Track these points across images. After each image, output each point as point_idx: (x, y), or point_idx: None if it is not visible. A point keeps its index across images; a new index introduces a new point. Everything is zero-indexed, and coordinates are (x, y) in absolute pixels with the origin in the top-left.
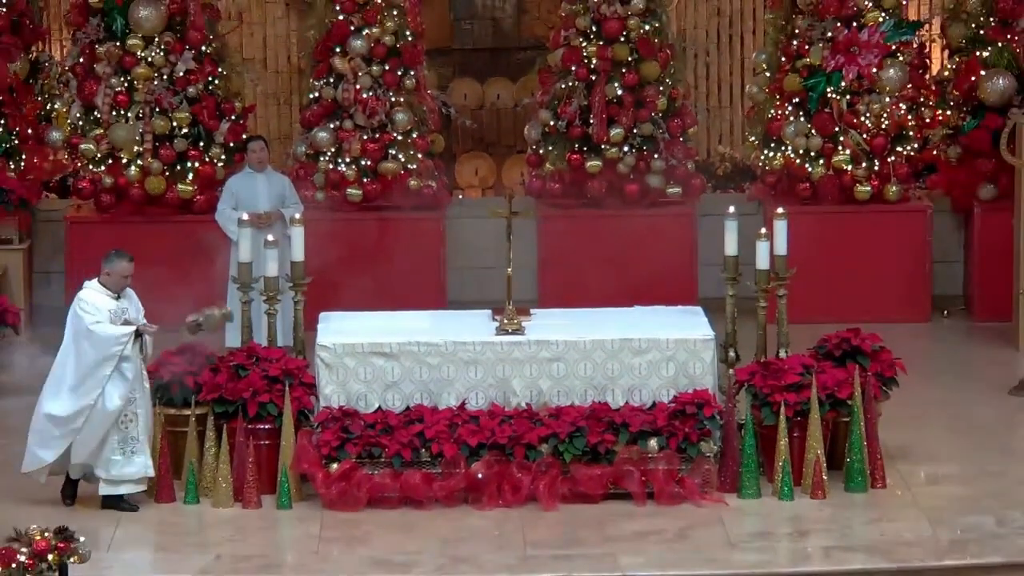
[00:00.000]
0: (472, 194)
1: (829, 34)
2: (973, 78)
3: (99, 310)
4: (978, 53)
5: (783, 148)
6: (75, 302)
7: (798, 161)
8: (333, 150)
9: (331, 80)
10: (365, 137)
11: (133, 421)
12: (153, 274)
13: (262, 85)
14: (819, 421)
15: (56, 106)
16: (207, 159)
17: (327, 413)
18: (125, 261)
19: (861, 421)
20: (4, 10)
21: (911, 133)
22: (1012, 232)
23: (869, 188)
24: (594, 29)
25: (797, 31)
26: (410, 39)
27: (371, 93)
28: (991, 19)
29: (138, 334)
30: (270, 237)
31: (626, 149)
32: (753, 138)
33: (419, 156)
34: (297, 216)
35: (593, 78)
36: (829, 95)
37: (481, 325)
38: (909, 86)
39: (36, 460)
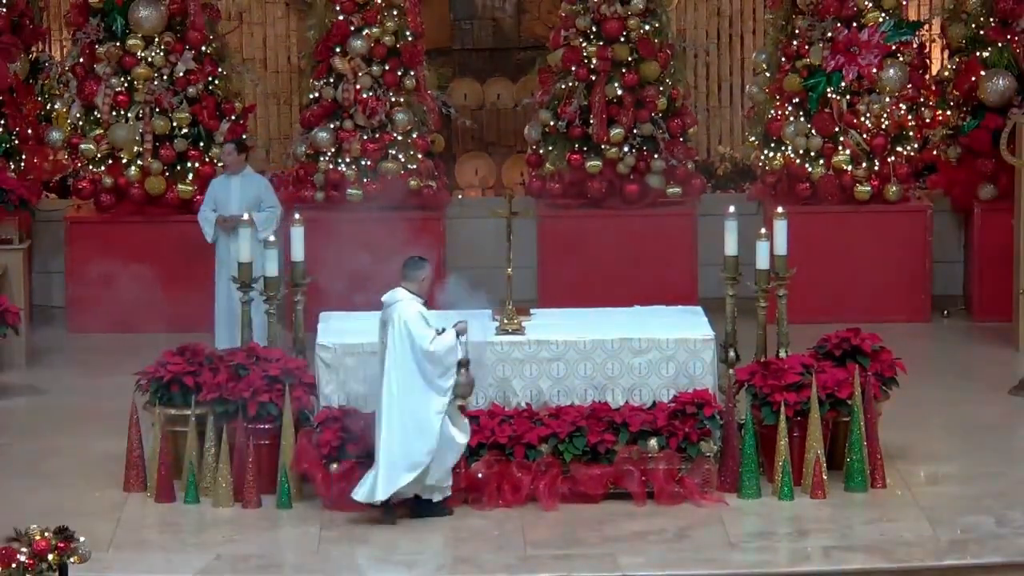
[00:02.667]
0: (472, 194)
1: (829, 34)
2: (973, 78)
3: (429, 324)
4: (978, 53)
5: (783, 148)
6: (408, 320)
7: (798, 161)
8: (333, 150)
9: (331, 80)
10: (365, 137)
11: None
12: (153, 274)
13: (262, 85)
14: (819, 421)
15: (56, 106)
16: (207, 159)
17: (327, 413)
18: (430, 264)
19: (861, 421)
20: (4, 10)
21: (911, 133)
22: (1012, 232)
23: (869, 188)
24: (594, 29)
25: (797, 31)
26: (410, 39)
27: (371, 93)
28: (991, 19)
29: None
30: (271, 238)
31: (626, 149)
32: (753, 138)
33: (419, 156)
34: (276, 216)
35: (593, 78)
36: (829, 95)
37: (481, 325)
38: (909, 86)
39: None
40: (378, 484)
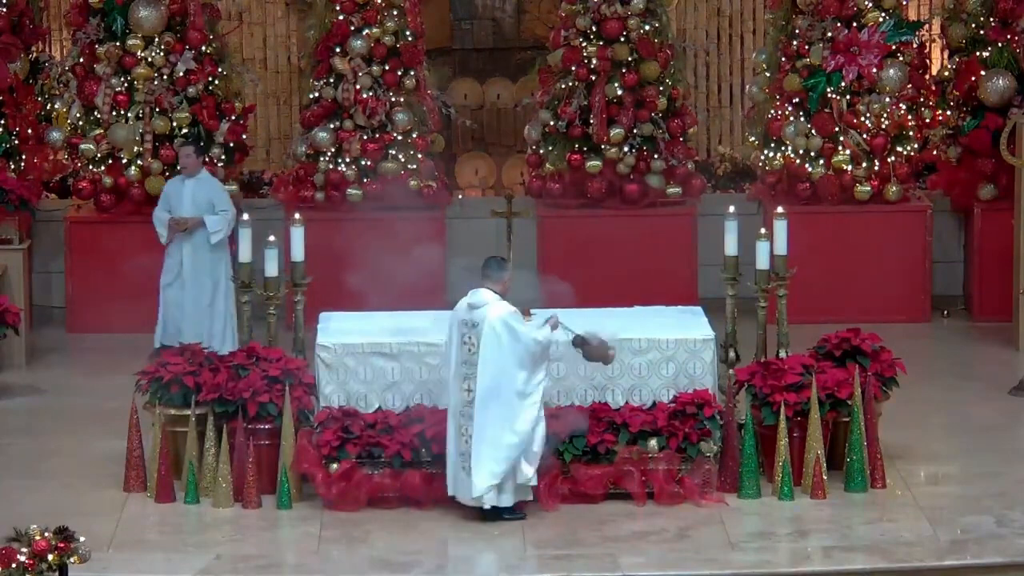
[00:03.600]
0: (472, 194)
1: (829, 34)
2: (973, 78)
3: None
4: (978, 53)
5: (783, 148)
6: (508, 318)
7: (798, 161)
8: (333, 150)
9: (331, 80)
10: (365, 137)
11: None
12: (152, 274)
13: (262, 85)
14: (819, 421)
15: (56, 106)
16: (207, 159)
17: (327, 413)
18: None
19: (861, 421)
20: (4, 10)
21: (911, 133)
22: (1012, 232)
23: (869, 188)
24: (594, 29)
25: (797, 31)
26: (410, 39)
27: (371, 93)
28: (991, 19)
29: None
30: (271, 237)
31: (626, 149)
32: (753, 138)
33: (419, 156)
34: (228, 218)
35: (593, 78)
36: (829, 95)
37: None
38: (909, 86)
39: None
40: (473, 483)
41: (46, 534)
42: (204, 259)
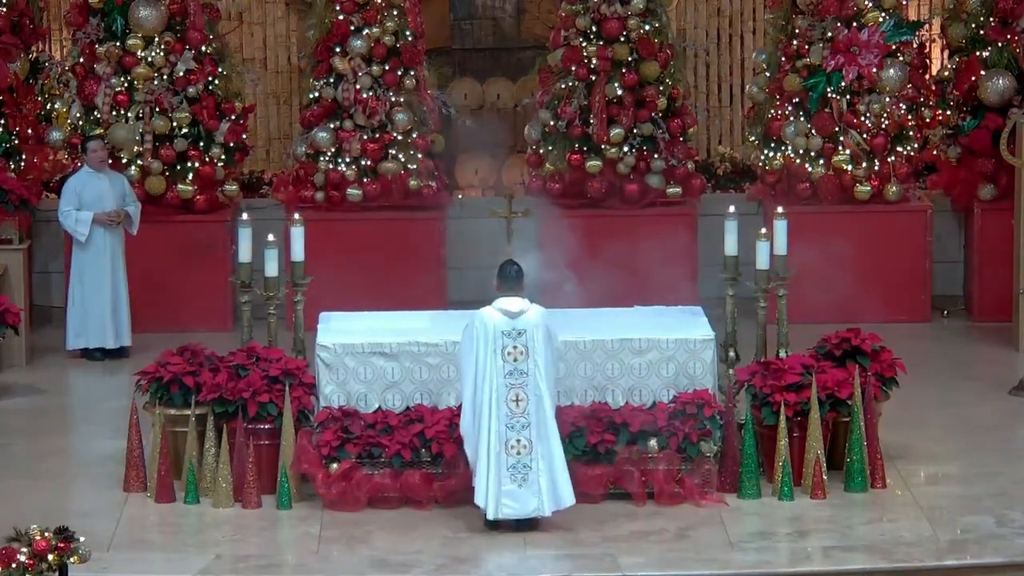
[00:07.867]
0: (472, 194)
1: (829, 34)
2: (973, 78)
3: None
4: (978, 53)
5: (783, 148)
6: (548, 323)
7: (798, 161)
8: (333, 150)
9: (331, 80)
10: (365, 137)
11: None
12: (153, 274)
13: (262, 85)
14: (819, 421)
15: (56, 106)
16: (207, 159)
17: (327, 413)
18: None
19: (861, 421)
20: (4, 10)
21: (911, 133)
22: (1012, 232)
23: (869, 188)
24: (594, 29)
25: (797, 31)
26: (410, 39)
27: (371, 93)
28: (991, 19)
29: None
30: (271, 237)
31: (626, 149)
32: (753, 138)
33: (419, 156)
34: (133, 210)
35: (593, 78)
36: (829, 95)
37: None
38: (909, 86)
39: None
40: (544, 499)
41: (46, 534)
42: (121, 251)
